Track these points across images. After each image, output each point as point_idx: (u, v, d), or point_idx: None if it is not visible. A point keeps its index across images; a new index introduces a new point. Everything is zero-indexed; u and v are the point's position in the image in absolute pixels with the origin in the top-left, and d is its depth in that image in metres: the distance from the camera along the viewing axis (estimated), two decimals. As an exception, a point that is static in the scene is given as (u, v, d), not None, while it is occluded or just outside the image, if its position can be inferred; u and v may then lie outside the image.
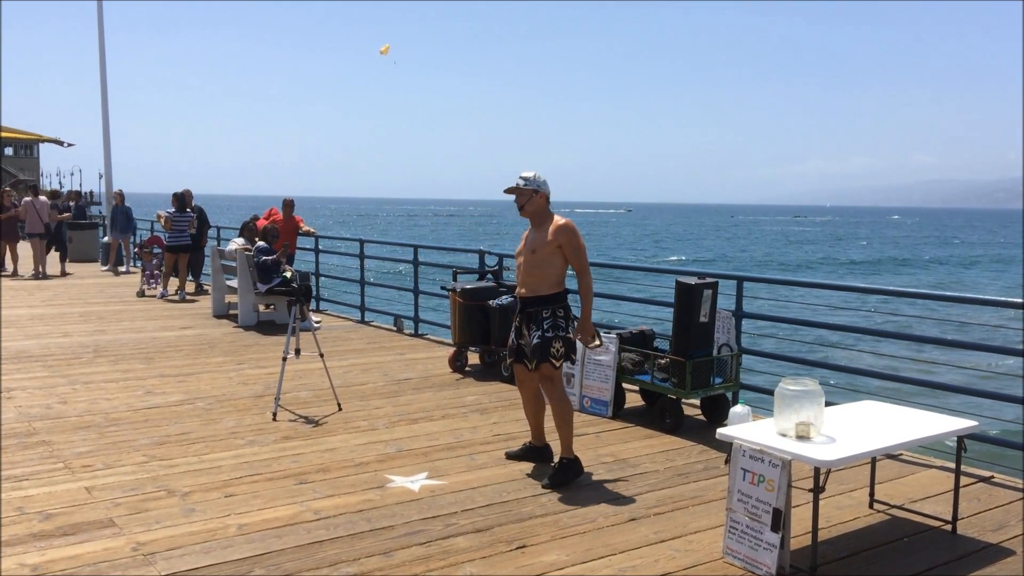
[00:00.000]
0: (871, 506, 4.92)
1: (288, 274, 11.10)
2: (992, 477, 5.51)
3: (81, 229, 21.40)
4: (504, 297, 8.28)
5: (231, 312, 12.26)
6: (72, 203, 22.37)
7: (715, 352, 6.65)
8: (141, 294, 14.48)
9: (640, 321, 7.91)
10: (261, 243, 11.16)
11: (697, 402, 6.92)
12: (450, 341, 9.23)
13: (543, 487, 5.17)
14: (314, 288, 12.85)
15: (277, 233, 11.44)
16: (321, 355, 7.34)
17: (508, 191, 5.39)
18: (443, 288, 9.39)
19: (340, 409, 6.99)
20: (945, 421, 4.57)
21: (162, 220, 14.41)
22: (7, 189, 19.88)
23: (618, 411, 6.94)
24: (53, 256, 19.15)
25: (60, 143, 38.17)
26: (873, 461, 4.96)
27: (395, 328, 11.42)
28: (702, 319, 6.43)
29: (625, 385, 7.08)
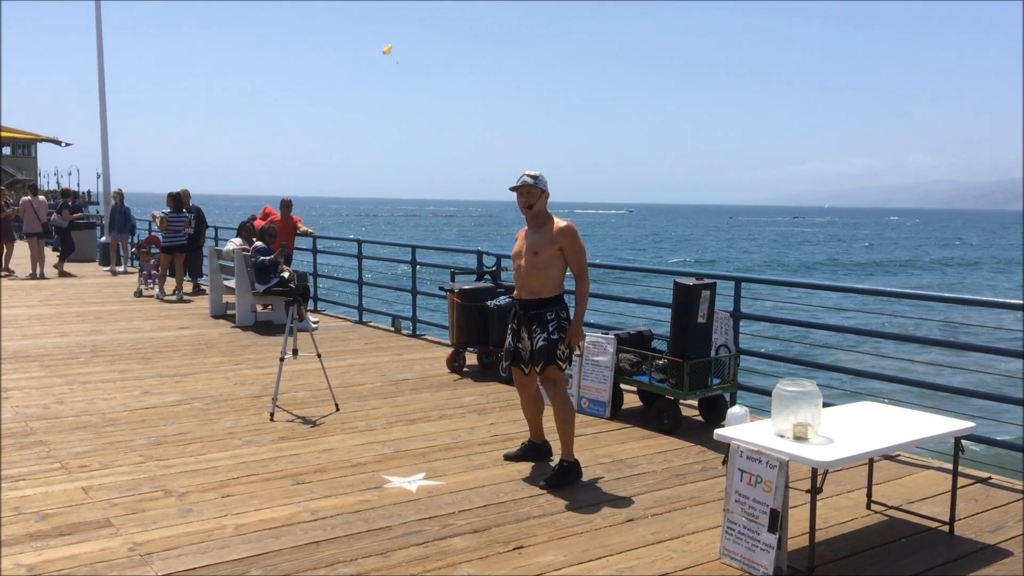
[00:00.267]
0: (868, 507, 4.92)
1: (286, 274, 11.09)
2: (989, 478, 5.51)
3: (79, 229, 21.37)
4: (502, 298, 8.27)
5: (229, 312, 12.25)
6: (51, 202, 22.41)
7: (713, 353, 6.65)
8: (139, 294, 14.46)
9: (638, 322, 7.91)
10: (259, 243, 11.15)
11: (695, 403, 6.92)
12: (448, 342, 9.23)
13: (540, 487, 5.16)
14: (312, 288, 12.84)
15: (275, 233, 11.43)
16: (319, 355, 7.34)
17: (517, 189, 5.25)
18: (441, 289, 9.38)
19: (338, 410, 6.98)
20: (942, 422, 4.57)
21: (157, 220, 14.40)
22: (2, 189, 19.84)
23: (616, 412, 6.93)
24: (51, 256, 19.15)
25: (58, 142, 38.14)
26: (870, 462, 4.96)
27: (393, 329, 11.42)
28: (700, 320, 6.43)
29: (623, 386, 7.07)
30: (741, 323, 7.08)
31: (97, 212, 27.24)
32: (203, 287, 15.11)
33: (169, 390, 7.63)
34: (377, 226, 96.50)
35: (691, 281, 6.47)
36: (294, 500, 4.92)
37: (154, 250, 15.22)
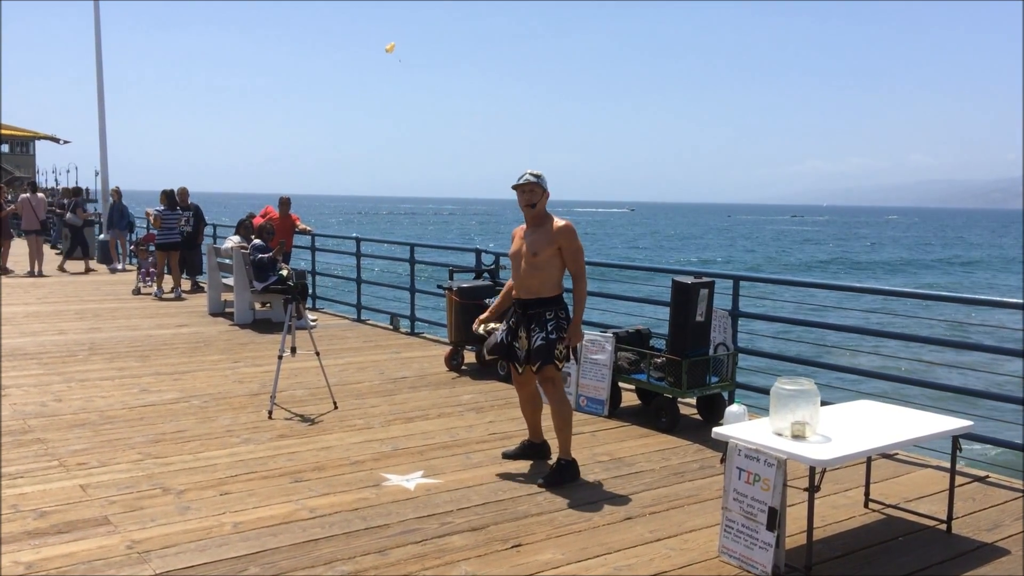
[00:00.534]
0: (866, 505, 4.93)
1: (284, 272, 11.09)
2: (987, 477, 5.52)
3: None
4: (501, 296, 8.27)
5: (227, 310, 12.24)
6: (65, 200, 22.31)
7: (711, 351, 6.65)
8: (137, 292, 14.45)
9: (636, 320, 7.91)
10: (257, 241, 11.14)
11: (693, 401, 6.92)
12: (446, 340, 9.23)
13: (538, 486, 5.16)
14: (310, 286, 12.83)
15: (273, 231, 11.43)
16: (317, 353, 7.33)
17: (520, 186, 5.22)
18: (439, 287, 9.38)
19: (336, 407, 6.98)
20: (940, 421, 4.58)
21: (151, 217, 14.37)
22: (1, 186, 19.83)
23: (614, 410, 6.94)
24: (50, 254, 19.13)
25: (56, 140, 38.09)
26: (868, 460, 4.97)
27: (391, 327, 11.42)
28: (698, 318, 6.43)
29: (621, 384, 7.08)
30: (739, 321, 7.08)
31: (95, 210, 27.18)
32: (202, 285, 15.11)
33: (167, 388, 7.62)
34: (377, 224, 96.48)
35: (689, 280, 6.47)
36: (292, 498, 4.92)
37: (152, 247, 15.22)
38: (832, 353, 11.24)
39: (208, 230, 16.79)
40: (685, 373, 6.33)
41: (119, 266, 18.52)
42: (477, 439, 6.18)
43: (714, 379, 6.64)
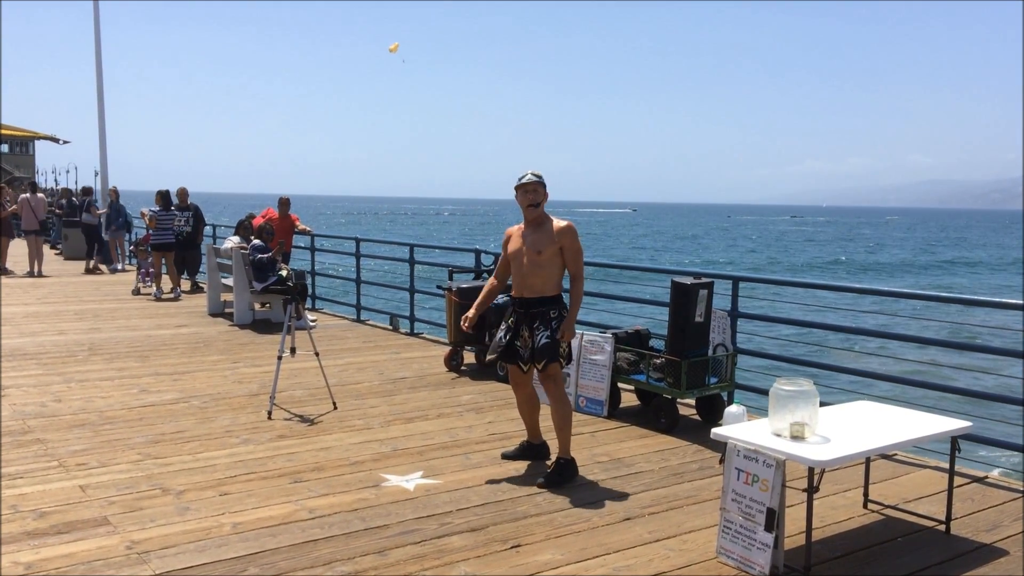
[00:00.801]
0: (865, 506, 4.93)
1: (284, 272, 11.09)
2: (986, 477, 5.53)
3: (76, 227, 21.34)
4: (500, 296, 8.27)
5: (227, 310, 12.25)
6: (64, 200, 22.26)
7: (711, 352, 6.65)
8: (136, 292, 14.45)
9: (636, 321, 7.91)
10: (257, 241, 11.15)
11: (692, 402, 6.93)
12: (446, 340, 9.23)
13: (538, 486, 5.17)
14: (310, 287, 12.84)
15: (272, 231, 11.43)
16: (316, 354, 7.34)
17: (525, 185, 5.23)
18: (439, 287, 9.38)
19: (335, 408, 6.98)
20: (939, 421, 4.58)
21: (146, 218, 14.36)
22: (2, 186, 19.81)
23: (613, 411, 6.94)
24: (50, 254, 19.11)
25: (56, 140, 38.10)
26: (867, 461, 4.97)
27: (391, 327, 11.42)
28: (698, 319, 6.43)
29: (620, 385, 7.08)
30: (739, 322, 7.09)
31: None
32: (201, 285, 15.11)
33: (167, 388, 7.62)
34: (379, 224, 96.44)
35: (688, 280, 6.47)
36: (292, 498, 4.92)
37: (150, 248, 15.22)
38: (831, 354, 11.25)
39: (208, 230, 16.79)
40: (684, 374, 6.33)
41: (119, 266, 18.52)
42: (476, 440, 6.19)
43: (713, 380, 6.65)
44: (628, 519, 4.70)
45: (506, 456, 5.72)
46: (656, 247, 67.48)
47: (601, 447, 6.04)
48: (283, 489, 5.08)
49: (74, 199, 22.10)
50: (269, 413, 6.73)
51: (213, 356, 9.18)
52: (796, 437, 4.06)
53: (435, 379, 8.21)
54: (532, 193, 5.26)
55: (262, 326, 11.26)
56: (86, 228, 18.61)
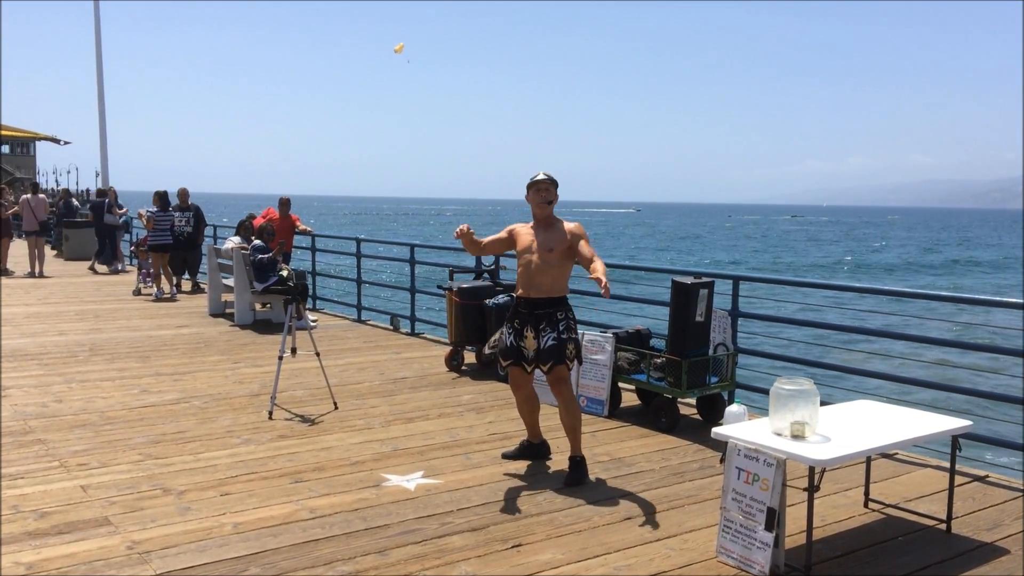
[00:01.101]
0: (866, 505, 4.93)
1: (284, 273, 11.10)
2: (987, 476, 5.52)
3: (77, 227, 21.36)
4: (501, 296, 8.28)
5: (227, 311, 12.25)
6: (61, 201, 22.28)
7: (711, 352, 6.65)
8: (137, 292, 14.45)
9: (636, 321, 7.91)
10: (257, 241, 11.15)
11: (693, 401, 6.93)
12: (446, 340, 9.23)
13: (565, 484, 5.18)
14: (311, 287, 12.84)
15: (273, 231, 11.43)
16: (317, 354, 7.34)
17: (539, 183, 5.25)
18: (439, 287, 9.39)
19: (336, 408, 6.98)
20: (940, 420, 4.58)
21: (143, 219, 14.36)
22: (3, 187, 19.82)
23: (614, 410, 6.94)
24: (50, 255, 19.10)
25: (56, 141, 38.10)
26: (868, 460, 4.97)
27: (391, 327, 11.42)
28: (698, 318, 6.43)
29: (621, 384, 7.08)
30: (739, 321, 7.09)
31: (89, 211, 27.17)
32: (202, 285, 15.11)
33: (168, 388, 7.63)
34: (380, 224, 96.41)
35: (689, 280, 6.47)
36: (292, 498, 4.92)
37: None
38: (831, 353, 11.25)
39: (208, 231, 16.79)
40: (685, 373, 6.33)
41: (120, 266, 18.53)
42: (477, 439, 6.19)
43: (714, 379, 6.65)
44: (629, 518, 4.70)
45: (506, 456, 5.72)
46: (660, 247, 67.32)
47: (602, 447, 6.04)
48: (284, 489, 5.08)
49: (73, 200, 22.08)
50: (270, 413, 6.74)
51: (214, 356, 9.19)
52: (797, 436, 4.06)
53: (436, 379, 8.22)
54: (545, 192, 5.29)
55: (263, 326, 11.27)
56: (107, 229, 18.53)
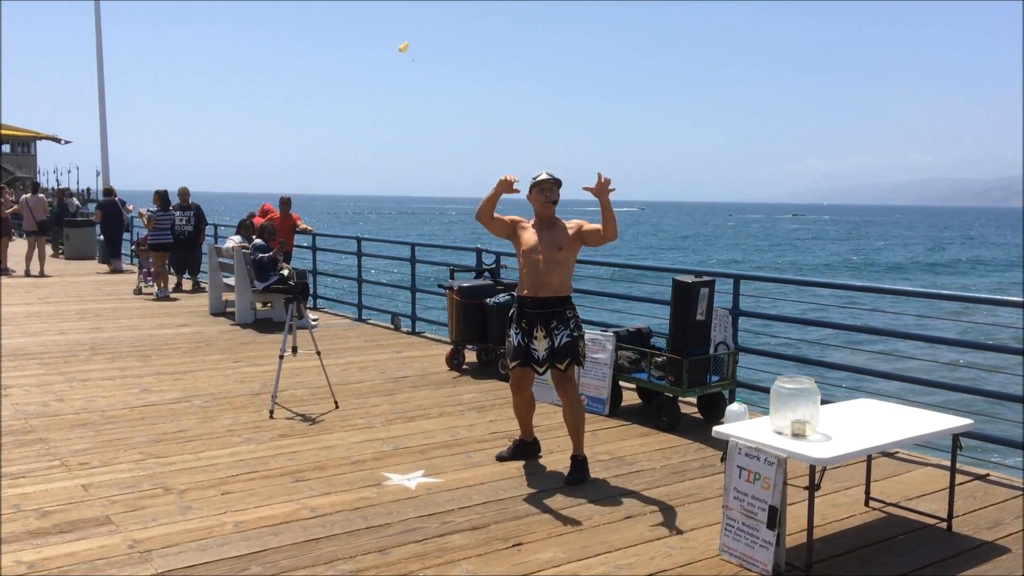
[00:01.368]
0: (867, 504, 4.93)
1: (285, 272, 11.10)
2: (987, 475, 5.52)
3: (78, 227, 21.37)
4: (501, 295, 8.28)
5: (228, 310, 12.25)
6: (56, 200, 22.28)
7: (712, 350, 6.65)
8: (138, 292, 14.45)
9: (637, 320, 7.91)
10: (258, 240, 11.16)
11: (694, 400, 6.93)
12: (447, 339, 9.23)
13: (567, 483, 5.20)
14: (311, 286, 12.84)
15: (274, 231, 11.44)
16: (318, 353, 7.34)
17: (544, 183, 5.23)
18: (440, 286, 9.39)
19: (337, 407, 6.99)
20: (940, 419, 4.58)
21: (144, 218, 14.36)
22: (3, 187, 19.83)
23: (615, 409, 6.94)
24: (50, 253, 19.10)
25: (57, 140, 38.15)
26: (869, 459, 4.97)
27: (392, 326, 11.42)
28: (699, 317, 6.43)
29: (622, 383, 7.08)
30: (740, 320, 7.09)
31: (96, 210, 27.19)
32: (203, 284, 15.12)
33: (169, 388, 7.63)
34: (382, 224, 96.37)
35: (690, 279, 6.47)
36: (293, 497, 4.93)
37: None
38: (832, 352, 11.25)
39: (209, 230, 16.79)
40: (686, 372, 6.33)
41: (122, 266, 18.54)
42: (478, 438, 6.19)
43: (715, 378, 6.65)
44: (630, 517, 4.70)
45: (501, 458, 5.70)
46: (667, 247, 67.11)
47: (602, 445, 6.04)
48: (285, 488, 5.09)
49: (74, 199, 22.06)
50: (271, 412, 6.74)
51: (215, 355, 9.19)
52: (797, 435, 4.06)
53: (436, 378, 8.22)
54: (549, 191, 5.28)
55: (263, 325, 11.27)
56: (119, 228, 18.50)
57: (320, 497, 4.93)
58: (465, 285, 8.53)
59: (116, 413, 6.74)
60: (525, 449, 5.72)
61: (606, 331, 7.23)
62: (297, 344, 7.16)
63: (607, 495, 5.04)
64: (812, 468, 3.90)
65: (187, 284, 15.50)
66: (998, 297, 6.26)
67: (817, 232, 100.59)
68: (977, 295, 6.50)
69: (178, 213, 14.60)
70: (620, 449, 5.97)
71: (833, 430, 4.17)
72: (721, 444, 4.25)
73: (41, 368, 8.39)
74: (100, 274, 17.74)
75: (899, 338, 8.41)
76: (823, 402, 4.26)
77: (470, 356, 8.89)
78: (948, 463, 4.78)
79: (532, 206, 5.36)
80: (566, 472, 5.34)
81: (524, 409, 5.63)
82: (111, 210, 18.20)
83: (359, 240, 12.63)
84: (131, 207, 19.08)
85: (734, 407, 5.71)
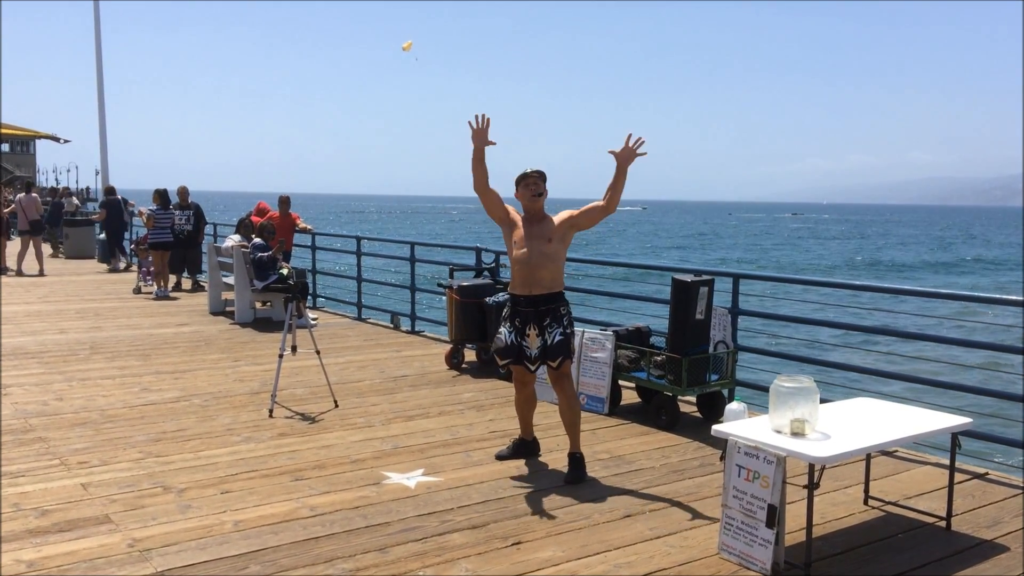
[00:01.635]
0: (866, 502, 4.93)
1: (285, 271, 11.10)
2: (986, 474, 5.52)
3: (77, 226, 21.37)
4: (501, 294, 8.27)
5: (228, 309, 12.25)
6: (50, 199, 22.27)
7: (711, 349, 6.65)
8: (138, 291, 14.45)
9: (637, 319, 7.91)
10: (258, 240, 11.16)
11: (693, 399, 6.93)
12: (447, 338, 9.24)
13: (566, 482, 5.20)
14: (311, 285, 12.84)
15: (273, 230, 11.43)
16: (317, 352, 7.34)
17: (529, 176, 5.24)
18: (440, 285, 9.39)
19: (336, 406, 6.99)
20: (939, 418, 4.58)
21: (144, 217, 14.34)
22: (1, 185, 19.86)
23: (614, 408, 6.94)
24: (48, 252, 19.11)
25: (57, 140, 38.12)
26: (868, 458, 4.97)
27: (392, 325, 11.42)
28: (698, 316, 6.43)
29: (621, 382, 7.08)
30: (739, 319, 7.09)
31: (95, 209, 27.20)
32: (202, 283, 15.12)
33: (168, 387, 7.63)
34: (383, 224, 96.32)
35: (689, 278, 6.47)
36: (293, 496, 4.93)
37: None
38: (831, 351, 11.25)
39: (208, 229, 16.79)
40: (685, 371, 6.34)
41: (120, 265, 18.54)
42: (477, 437, 6.19)
43: (714, 377, 6.65)
44: (629, 516, 4.71)
45: (500, 457, 5.70)
46: (668, 246, 67.00)
47: (602, 444, 6.04)
48: (284, 487, 5.09)
49: (73, 199, 22.06)
50: (270, 411, 6.74)
51: (214, 355, 9.19)
52: (797, 434, 4.06)
53: (436, 377, 8.22)
54: (534, 185, 5.28)
55: (263, 324, 11.27)
56: (122, 227, 18.51)
57: (319, 496, 4.94)
58: (464, 284, 8.54)
59: (116, 412, 6.75)
60: (525, 448, 5.72)
61: (605, 330, 7.23)
62: (296, 343, 7.16)
63: (606, 494, 5.05)
64: (811, 467, 3.91)
65: (187, 283, 15.50)
66: (998, 296, 6.26)
67: (818, 232, 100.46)
68: (976, 294, 6.49)
69: (178, 212, 14.60)
70: (619, 448, 5.98)
71: (832, 429, 4.17)
72: (720, 443, 4.25)
73: (41, 367, 8.39)
74: (100, 273, 17.74)
75: (898, 337, 8.42)
76: (822, 401, 4.26)
77: (469, 355, 8.90)
78: (947, 462, 4.78)
79: (520, 203, 5.38)
80: (565, 471, 5.35)
81: (525, 406, 5.63)
82: (114, 209, 18.26)
83: (359, 239, 12.63)
84: (133, 203, 19.08)
85: (733, 406, 5.72)
